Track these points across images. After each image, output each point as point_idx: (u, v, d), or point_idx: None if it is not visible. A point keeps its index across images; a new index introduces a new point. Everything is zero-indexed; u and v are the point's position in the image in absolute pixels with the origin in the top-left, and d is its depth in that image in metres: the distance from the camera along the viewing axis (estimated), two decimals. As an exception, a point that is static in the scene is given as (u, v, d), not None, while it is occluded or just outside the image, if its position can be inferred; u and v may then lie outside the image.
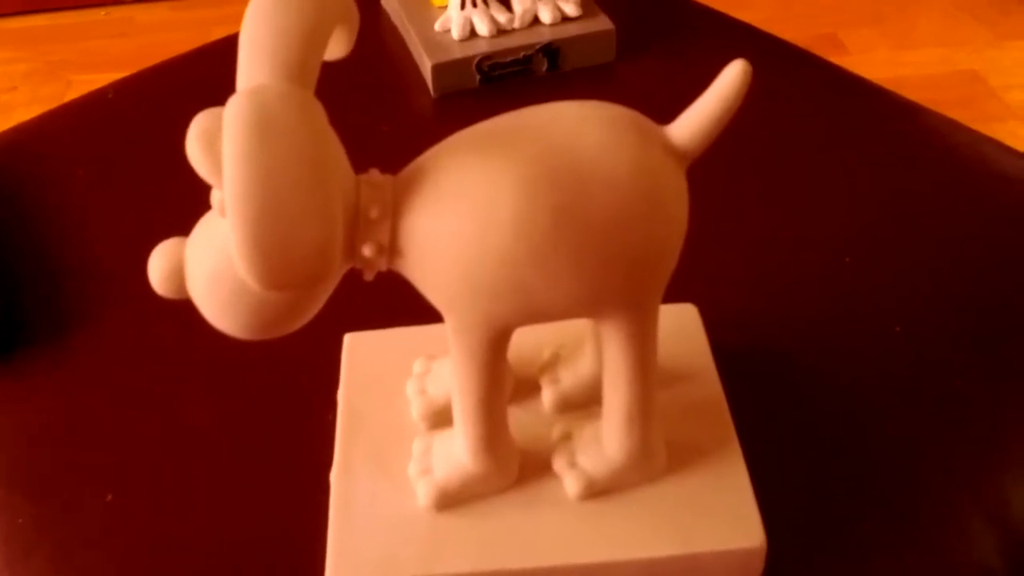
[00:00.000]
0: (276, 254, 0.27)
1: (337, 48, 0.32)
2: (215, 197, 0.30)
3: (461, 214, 0.31)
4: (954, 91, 1.33)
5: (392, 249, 0.32)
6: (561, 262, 0.31)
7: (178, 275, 0.31)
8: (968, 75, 1.37)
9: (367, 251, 0.31)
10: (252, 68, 0.29)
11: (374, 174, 0.32)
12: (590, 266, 0.31)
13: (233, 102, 0.27)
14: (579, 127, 0.32)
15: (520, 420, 0.38)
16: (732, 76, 0.32)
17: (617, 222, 0.31)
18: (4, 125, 0.66)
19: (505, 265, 0.31)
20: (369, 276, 0.33)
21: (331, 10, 0.31)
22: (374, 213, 0.31)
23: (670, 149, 0.32)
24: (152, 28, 1.57)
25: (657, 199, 0.32)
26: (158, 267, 0.31)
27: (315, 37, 0.30)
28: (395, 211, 0.31)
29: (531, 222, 0.31)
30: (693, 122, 0.32)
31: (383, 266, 0.32)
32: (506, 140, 0.32)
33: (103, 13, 1.61)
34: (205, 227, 0.31)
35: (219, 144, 0.27)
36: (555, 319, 0.34)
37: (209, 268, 0.31)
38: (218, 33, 0.70)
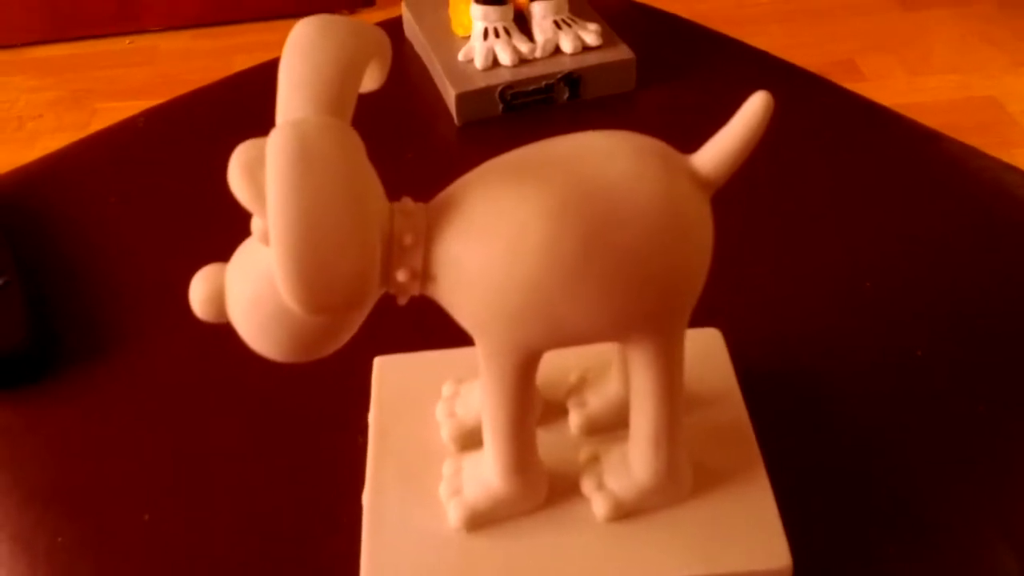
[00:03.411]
0: (318, 281, 0.28)
1: (370, 81, 0.33)
2: (256, 225, 0.30)
3: (492, 241, 0.32)
4: (972, 117, 1.34)
5: (425, 275, 0.33)
6: (589, 289, 0.32)
7: (218, 299, 0.32)
8: (986, 101, 1.37)
9: (401, 277, 0.32)
10: (292, 101, 0.30)
11: (407, 202, 0.33)
12: (618, 292, 0.32)
13: (275, 135, 0.28)
14: (606, 156, 0.33)
15: (548, 443, 0.39)
16: (755, 107, 0.33)
17: (644, 249, 0.32)
18: (30, 152, 0.67)
19: (534, 291, 0.32)
20: (402, 301, 0.34)
21: (366, 45, 0.32)
22: (408, 240, 0.32)
23: (695, 178, 0.33)
24: (175, 56, 1.60)
25: (683, 227, 0.32)
26: (199, 291, 0.32)
27: (352, 71, 0.31)
28: (428, 238, 0.32)
29: (560, 249, 0.31)
30: (717, 152, 0.33)
31: (416, 291, 0.33)
32: (535, 169, 0.33)
33: (127, 42, 1.64)
34: (245, 253, 0.32)
35: (261, 175, 0.28)
36: (583, 343, 0.34)
37: (249, 293, 0.31)
38: (239, 61, 0.71)
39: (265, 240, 0.29)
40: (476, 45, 0.66)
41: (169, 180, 0.62)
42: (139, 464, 0.45)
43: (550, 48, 0.66)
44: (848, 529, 0.40)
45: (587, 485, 0.38)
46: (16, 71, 1.60)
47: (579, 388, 0.41)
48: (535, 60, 0.66)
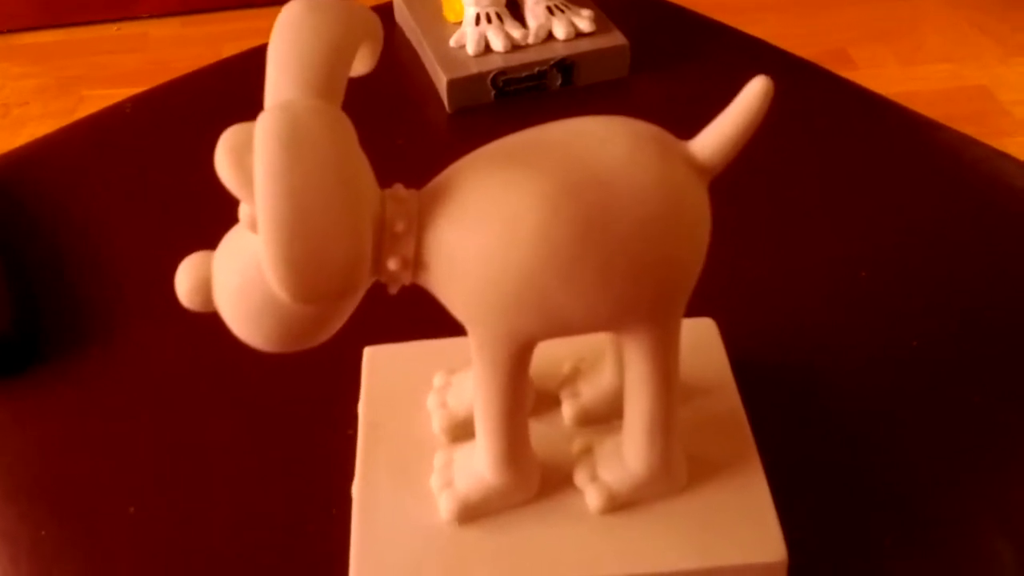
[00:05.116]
0: (307, 268, 0.28)
1: (361, 64, 0.33)
2: (243, 211, 0.30)
3: (485, 228, 0.31)
4: (964, 106, 1.33)
5: (416, 263, 0.32)
6: (585, 276, 0.31)
7: (205, 288, 0.32)
8: (978, 90, 1.37)
9: (392, 265, 0.32)
10: (280, 84, 0.29)
11: (399, 188, 0.32)
12: (613, 280, 0.32)
13: (264, 118, 0.28)
14: (602, 142, 0.32)
15: (540, 434, 0.38)
16: (754, 92, 0.32)
17: (641, 236, 0.31)
18: (16, 139, 0.66)
19: (529, 279, 0.31)
20: (393, 289, 0.33)
21: (357, 27, 0.31)
22: (399, 227, 0.31)
23: (692, 164, 0.32)
24: (164, 43, 1.59)
25: (680, 214, 0.32)
26: (185, 280, 0.32)
27: (342, 53, 0.30)
28: (420, 225, 0.32)
29: (554, 236, 0.31)
30: (715, 137, 0.32)
31: (407, 280, 0.33)
32: (529, 155, 0.32)
33: (115, 28, 1.63)
34: (232, 240, 0.32)
35: (249, 159, 0.28)
36: (578, 333, 0.34)
37: (237, 281, 0.31)
38: (229, 48, 0.71)
39: (253, 227, 0.29)
40: (468, 31, 0.65)
41: (157, 167, 0.61)
42: (125, 456, 0.45)
43: (543, 34, 0.65)
44: (843, 521, 0.40)
45: (580, 477, 0.37)
46: (2, 58, 1.58)
47: (572, 378, 0.41)
48: (528, 46, 0.65)
